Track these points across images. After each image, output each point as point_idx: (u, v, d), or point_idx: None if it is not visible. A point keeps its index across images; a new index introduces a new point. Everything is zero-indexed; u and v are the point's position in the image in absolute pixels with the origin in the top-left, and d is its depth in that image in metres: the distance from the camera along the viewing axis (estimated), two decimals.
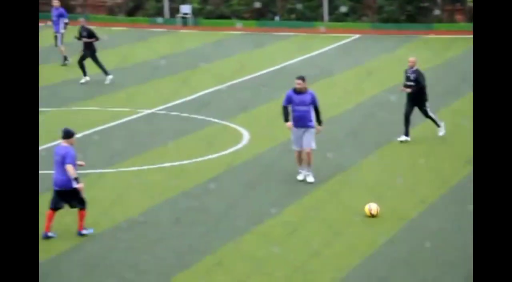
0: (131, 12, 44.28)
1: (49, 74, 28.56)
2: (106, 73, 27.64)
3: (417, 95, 20.39)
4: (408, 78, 20.60)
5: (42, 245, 14.04)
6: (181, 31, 40.96)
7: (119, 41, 36.79)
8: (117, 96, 26.30)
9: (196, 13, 42.60)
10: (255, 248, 14.56)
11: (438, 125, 20.81)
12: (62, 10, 31.73)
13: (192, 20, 42.24)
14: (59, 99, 25.52)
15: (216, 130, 22.30)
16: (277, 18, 41.85)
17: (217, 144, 20.61)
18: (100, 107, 24.83)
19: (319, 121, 17.56)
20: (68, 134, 14.64)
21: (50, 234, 14.75)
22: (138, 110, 24.37)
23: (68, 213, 15.03)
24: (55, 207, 14.64)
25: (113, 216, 15.71)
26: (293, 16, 41.54)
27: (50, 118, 22.61)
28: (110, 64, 28.76)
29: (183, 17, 42.24)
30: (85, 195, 14.89)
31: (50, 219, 14.67)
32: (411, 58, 20.71)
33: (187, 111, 24.38)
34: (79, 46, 28.16)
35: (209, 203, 16.79)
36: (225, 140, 21.11)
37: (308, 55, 33.53)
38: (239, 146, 20.76)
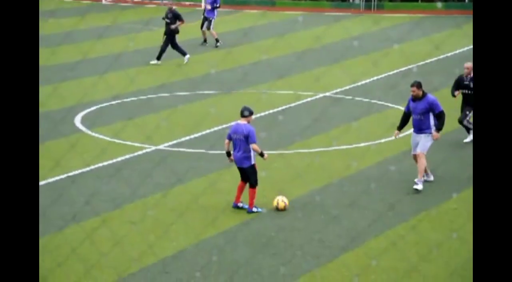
0: None
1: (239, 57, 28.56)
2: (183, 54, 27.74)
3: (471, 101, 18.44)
4: (466, 86, 18.34)
5: (218, 219, 13.78)
6: (363, 14, 40.39)
7: (306, 24, 36.65)
8: (304, 77, 25.98)
9: None
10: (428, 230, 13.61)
11: (468, 132, 18.68)
12: None
13: (377, 3, 41.52)
14: (247, 81, 25.34)
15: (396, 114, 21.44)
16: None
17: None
18: (289, 89, 24.52)
19: (438, 127, 15.97)
20: (246, 113, 14.61)
21: (240, 204, 14.81)
22: (321, 92, 23.88)
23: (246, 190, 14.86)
24: (244, 180, 14.78)
25: (287, 196, 15.19)
26: None
27: (237, 99, 22.39)
28: (302, 46, 28.48)
29: (366, 0, 41.57)
30: (261, 174, 14.71)
31: (240, 190, 14.83)
32: (468, 64, 18.41)
33: (370, 96, 23.69)
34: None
35: (387, 186, 15.98)
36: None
37: None
38: None
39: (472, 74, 18.34)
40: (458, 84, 18.75)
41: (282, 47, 30.46)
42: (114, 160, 17.56)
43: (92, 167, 17.01)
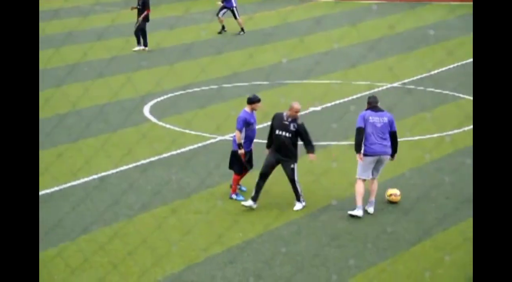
0: None
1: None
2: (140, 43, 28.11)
3: None
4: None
5: (285, 210, 13.70)
6: (437, 3, 39.79)
7: (380, 13, 36.28)
8: (376, 66, 25.71)
9: None
10: None
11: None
12: None
13: None
14: (319, 71, 25.19)
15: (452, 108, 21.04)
16: None
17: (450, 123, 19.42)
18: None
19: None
20: (250, 100, 14.88)
21: (243, 188, 15.17)
22: (397, 81, 23.61)
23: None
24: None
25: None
26: None
27: (308, 89, 22.25)
28: (377, 34, 28.30)
29: None
30: (333, 165, 14.40)
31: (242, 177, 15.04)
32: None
33: (444, 86, 23.33)
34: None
35: (459, 179, 15.70)
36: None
37: None
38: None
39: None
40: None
41: (355, 36, 30.22)
42: (184, 150, 17.62)
43: (161, 156, 17.10)
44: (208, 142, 18.17)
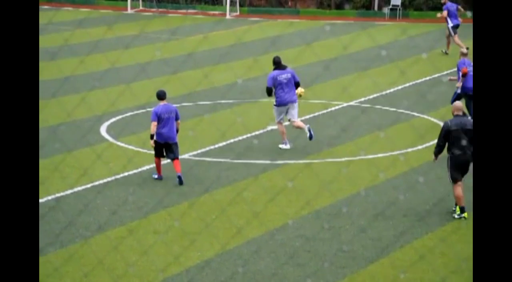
0: (339, 5, 43.91)
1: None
2: None
3: None
4: None
5: (243, 229, 13.69)
6: (388, 23, 40.24)
7: (333, 33, 36.60)
8: (331, 86, 25.89)
9: (406, 4, 41.75)
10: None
11: None
12: None
13: (402, 12, 41.37)
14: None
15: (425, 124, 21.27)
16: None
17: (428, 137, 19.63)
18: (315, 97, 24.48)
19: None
20: (165, 95, 16.80)
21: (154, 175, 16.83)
22: (353, 101, 23.81)
23: None
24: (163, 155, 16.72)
25: (313, 206, 15.11)
26: None
27: (263, 108, 22.28)
28: (329, 54, 28.15)
29: (391, 9, 41.46)
30: (288, 184, 14.42)
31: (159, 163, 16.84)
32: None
33: (398, 105, 23.57)
34: None
35: (414, 197, 15.85)
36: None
37: None
38: None
39: None
40: None
41: (309, 56, 30.42)
42: (140, 169, 17.56)
43: (118, 176, 17.03)
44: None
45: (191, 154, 18.70)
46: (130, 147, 19.15)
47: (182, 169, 16.95)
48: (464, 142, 14.26)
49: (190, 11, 44.61)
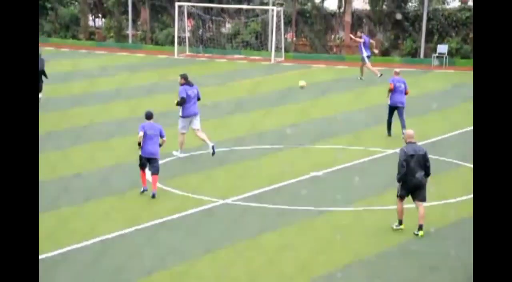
0: (385, 52, 43.94)
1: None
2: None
3: None
4: None
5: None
6: (435, 71, 40.15)
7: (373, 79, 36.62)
8: (375, 132, 25.84)
9: (453, 53, 41.68)
10: None
11: None
12: None
13: (449, 60, 41.29)
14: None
15: None
16: None
17: None
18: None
19: None
20: (152, 116, 18.97)
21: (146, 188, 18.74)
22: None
23: None
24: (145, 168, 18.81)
25: (358, 255, 14.97)
26: None
27: (301, 154, 22.28)
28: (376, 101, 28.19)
29: (438, 57, 41.42)
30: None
31: (144, 176, 18.84)
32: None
33: (445, 153, 23.41)
34: None
35: None
36: None
37: None
38: None
39: None
40: None
41: (354, 102, 30.38)
42: (187, 213, 17.53)
43: (164, 220, 17.00)
44: (210, 205, 18.12)
45: (236, 197, 18.67)
46: (177, 191, 19.15)
47: (232, 214, 16.94)
48: (417, 167, 16.07)
49: (236, 56, 44.93)
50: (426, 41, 42.71)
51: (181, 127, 22.03)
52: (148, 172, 18.72)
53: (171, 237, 16.04)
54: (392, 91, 24.87)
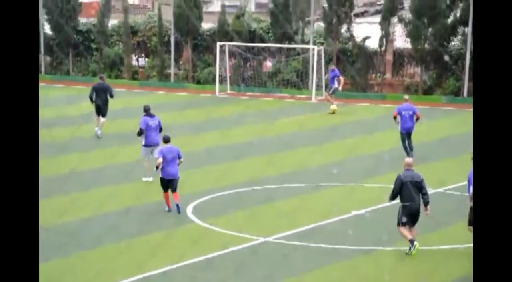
0: (428, 90, 43.78)
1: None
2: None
3: None
4: None
5: None
6: None
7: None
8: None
9: None
10: None
11: None
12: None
13: None
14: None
15: None
16: None
17: None
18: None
19: None
20: (169, 139, 20.30)
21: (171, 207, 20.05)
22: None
23: None
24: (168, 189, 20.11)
25: None
26: None
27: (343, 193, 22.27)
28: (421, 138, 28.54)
29: None
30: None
31: (168, 197, 20.15)
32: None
33: None
34: None
35: None
36: None
37: None
38: None
39: None
40: None
41: (393, 140, 30.20)
42: (229, 250, 17.52)
43: (207, 258, 17.00)
44: (252, 243, 18.10)
45: (280, 235, 18.65)
46: (218, 229, 19.17)
47: (275, 252, 16.95)
48: (413, 193, 17.07)
49: (277, 94, 45.09)
50: (470, 80, 42.40)
51: (143, 155, 23.47)
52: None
53: (215, 276, 16.03)
54: (400, 118, 26.52)
